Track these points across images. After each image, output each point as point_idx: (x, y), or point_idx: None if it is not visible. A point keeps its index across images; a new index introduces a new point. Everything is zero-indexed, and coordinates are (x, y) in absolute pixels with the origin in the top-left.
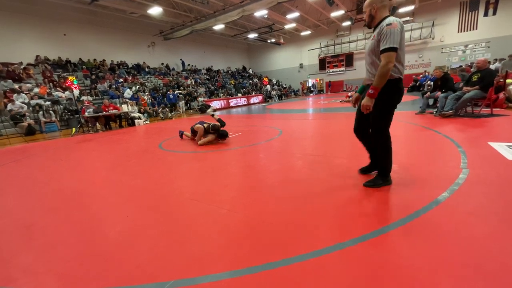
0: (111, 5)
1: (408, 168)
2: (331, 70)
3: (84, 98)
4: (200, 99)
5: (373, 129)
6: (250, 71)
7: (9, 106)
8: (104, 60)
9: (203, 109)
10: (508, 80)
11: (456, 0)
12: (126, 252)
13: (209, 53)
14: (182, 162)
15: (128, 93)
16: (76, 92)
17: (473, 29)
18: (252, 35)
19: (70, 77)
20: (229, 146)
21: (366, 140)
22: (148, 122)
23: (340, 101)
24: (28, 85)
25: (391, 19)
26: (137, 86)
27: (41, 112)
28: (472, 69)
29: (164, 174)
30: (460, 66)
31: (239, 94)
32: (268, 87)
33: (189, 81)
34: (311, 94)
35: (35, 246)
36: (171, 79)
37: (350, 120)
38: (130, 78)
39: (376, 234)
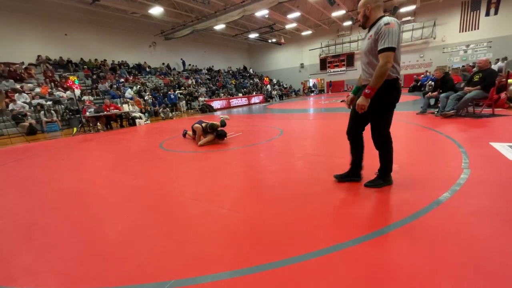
0: (112, 5)
1: (409, 168)
2: (332, 70)
3: (85, 98)
4: (201, 99)
5: (372, 129)
6: (251, 71)
7: (11, 106)
8: (105, 60)
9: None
10: (510, 80)
11: None
12: (127, 252)
13: (210, 53)
14: (183, 162)
15: (129, 93)
16: (77, 92)
17: (475, 29)
18: (253, 35)
19: (71, 77)
20: (229, 146)
21: (356, 144)
22: (149, 122)
23: (341, 101)
24: (29, 85)
25: (388, 18)
26: (138, 86)
27: (42, 112)
28: (474, 69)
29: (165, 174)
30: (463, 66)
31: (240, 94)
32: (269, 87)
33: (190, 81)
34: (312, 94)
35: (35, 246)
36: (172, 79)
37: None
38: (131, 78)
39: (377, 234)
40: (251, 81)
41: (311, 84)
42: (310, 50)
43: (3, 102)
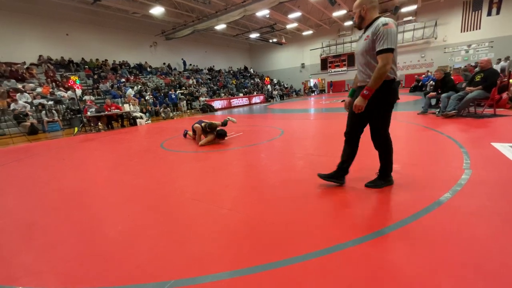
0: (114, 5)
1: (410, 169)
2: (333, 70)
3: (86, 97)
4: (201, 98)
5: (372, 130)
6: (252, 70)
7: (12, 106)
8: (106, 60)
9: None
10: (511, 80)
11: None
12: (127, 252)
13: (211, 53)
14: (184, 161)
15: (130, 92)
16: (79, 91)
17: (476, 29)
18: (253, 35)
19: (72, 77)
20: (230, 146)
21: (351, 146)
22: (150, 121)
23: (342, 101)
24: (31, 84)
25: (386, 19)
26: (139, 86)
27: (43, 112)
28: (476, 69)
29: (166, 174)
30: (465, 66)
31: (241, 94)
32: (269, 87)
33: (190, 81)
34: (313, 94)
35: (36, 246)
36: (172, 78)
37: None
38: (132, 78)
39: (378, 234)
40: (252, 81)
41: (312, 84)
42: (311, 50)
43: (5, 101)
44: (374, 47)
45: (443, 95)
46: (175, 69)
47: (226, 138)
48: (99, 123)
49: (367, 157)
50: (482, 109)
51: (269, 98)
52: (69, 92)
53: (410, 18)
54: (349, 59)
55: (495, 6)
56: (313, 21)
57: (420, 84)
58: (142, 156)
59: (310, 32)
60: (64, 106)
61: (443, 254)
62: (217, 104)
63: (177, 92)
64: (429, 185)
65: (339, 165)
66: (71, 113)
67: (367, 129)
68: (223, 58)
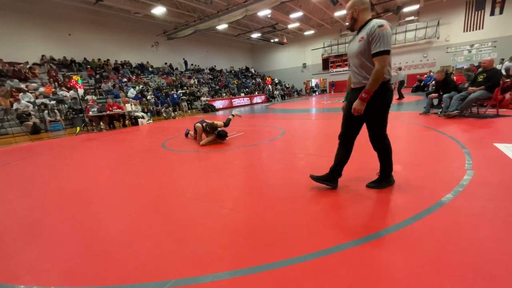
0: (116, 5)
1: (412, 169)
2: (334, 70)
3: (88, 97)
4: (203, 98)
5: (369, 131)
6: (253, 70)
7: (15, 105)
8: (108, 60)
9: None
10: None
11: None
12: (127, 251)
13: (212, 53)
14: (185, 161)
15: (131, 92)
16: (81, 91)
17: (479, 29)
18: (255, 35)
19: (74, 77)
20: (231, 145)
21: (345, 148)
22: (151, 121)
23: (343, 101)
24: (33, 84)
25: (380, 21)
26: (141, 86)
27: (46, 111)
28: (479, 69)
29: (167, 174)
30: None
31: (242, 94)
32: (270, 86)
33: (192, 81)
34: (314, 94)
35: (38, 244)
36: (174, 78)
37: None
38: (133, 78)
39: (379, 235)
40: (253, 81)
41: (313, 84)
42: (312, 50)
43: (8, 101)
44: (369, 49)
45: (445, 95)
46: (176, 69)
47: (227, 138)
48: (101, 123)
49: (368, 157)
50: (485, 110)
51: (270, 98)
52: (71, 91)
53: (412, 17)
54: None
55: (498, 5)
56: (315, 21)
57: (422, 84)
58: (143, 155)
59: (311, 32)
60: (66, 105)
61: (444, 256)
62: (218, 104)
63: (179, 91)
64: (431, 185)
65: (332, 167)
66: (73, 112)
67: (364, 131)
68: (225, 58)
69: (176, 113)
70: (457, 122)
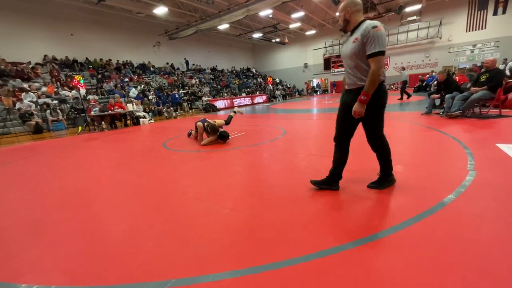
0: (118, 5)
1: (414, 170)
2: (336, 70)
3: (90, 97)
4: (204, 98)
5: (367, 132)
6: (254, 70)
7: (18, 105)
8: (110, 60)
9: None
10: None
11: None
12: (129, 251)
13: (214, 53)
14: (186, 161)
15: (133, 92)
16: (83, 91)
17: (482, 29)
18: (256, 35)
19: (76, 77)
20: (232, 145)
21: (342, 150)
22: (153, 121)
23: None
24: (36, 84)
25: (374, 22)
26: (143, 86)
27: (48, 111)
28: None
29: (169, 173)
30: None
31: (243, 94)
32: (271, 86)
33: (193, 81)
34: (316, 94)
35: (40, 243)
36: (175, 78)
37: None
38: (135, 78)
39: (380, 236)
40: (254, 80)
41: (314, 84)
42: (314, 49)
43: (11, 100)
44: (363, 50)
45: (447, 95)
46: (178, 68)
47: (228, 139)
48: (103, 123)
49: (368, 157)
50: (487, 110)
51: (271, 98)
52: (73, 91)
53: (415, 17)
54: None
55: (501, 5)
56: (316, 21)
57: (424, 84)
58: (145, 155)
59: (313, 31)
60: (68, 105)
61: (446, 256)
62: (219, 103)
63: (180, 91)
64: (433, 186)
65: (331, 171)
66: (75, 112)
67: (362, 132)
68: (226, 58)
69: (177, 113)
70: (459, 123)
